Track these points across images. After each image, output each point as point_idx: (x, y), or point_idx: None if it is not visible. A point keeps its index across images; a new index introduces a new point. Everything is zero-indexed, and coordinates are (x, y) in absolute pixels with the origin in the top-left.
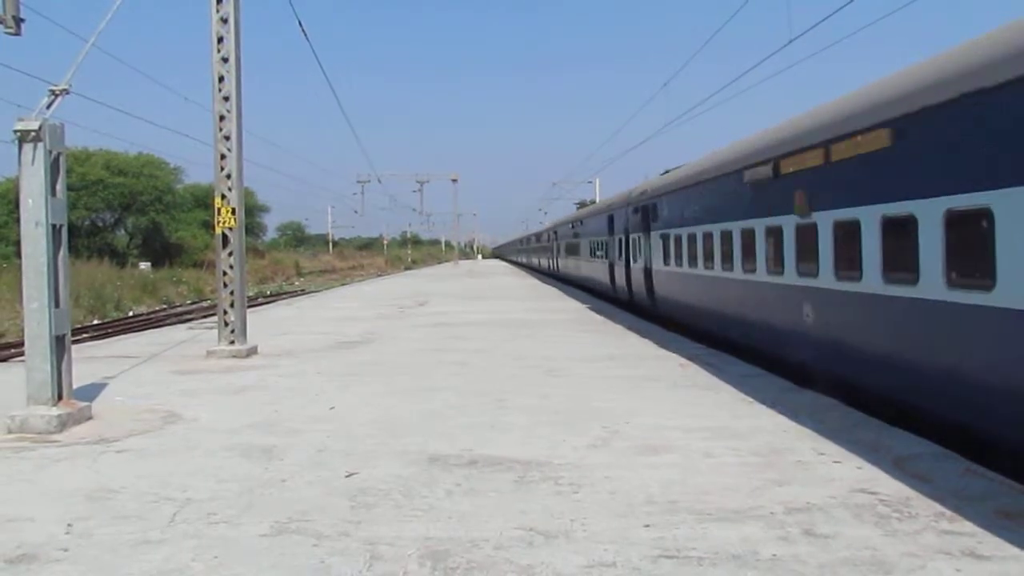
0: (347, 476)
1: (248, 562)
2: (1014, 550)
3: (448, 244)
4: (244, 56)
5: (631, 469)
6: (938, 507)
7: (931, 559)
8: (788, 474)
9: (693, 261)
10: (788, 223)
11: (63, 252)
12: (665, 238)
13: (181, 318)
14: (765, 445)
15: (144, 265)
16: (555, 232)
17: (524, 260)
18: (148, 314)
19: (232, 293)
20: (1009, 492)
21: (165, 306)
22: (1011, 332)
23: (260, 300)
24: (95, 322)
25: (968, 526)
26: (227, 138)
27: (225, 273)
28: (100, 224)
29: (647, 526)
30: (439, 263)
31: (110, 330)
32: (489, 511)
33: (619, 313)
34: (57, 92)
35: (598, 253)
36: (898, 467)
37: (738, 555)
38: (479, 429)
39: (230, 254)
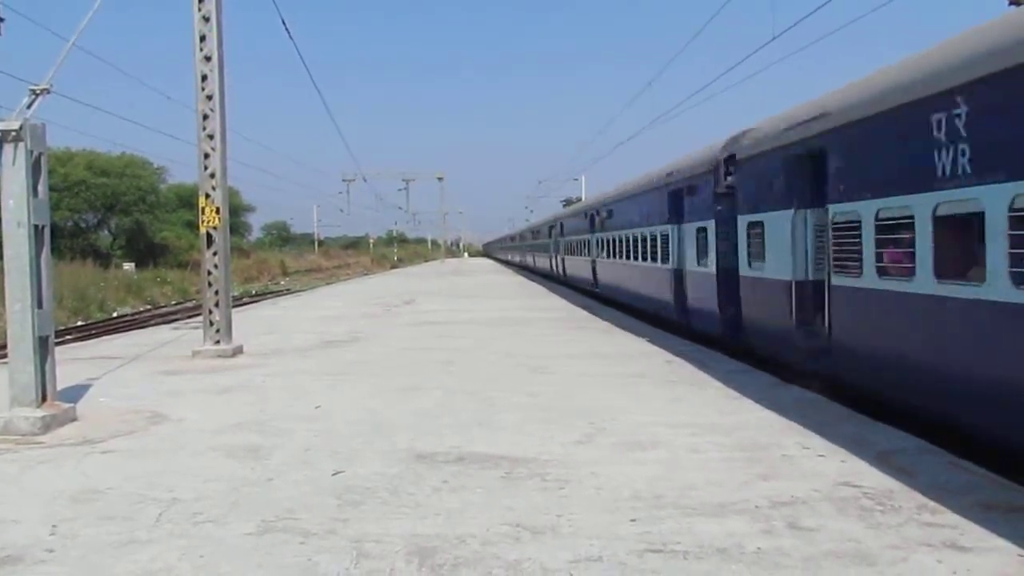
0: (334, 474)
1: (235, 561)
2: (995, 541)
3: (435, 243)
4: (227, 55)
5: (617, 465)
6: (921, 500)
7: (914, 551)
8: (773, 468)
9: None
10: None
11: (46, 253)
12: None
13: (166, 318)
14: (750, 440)
15: (128, 266)
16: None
17: (529, 261)
18: (133, 315)
19: (217, 293)
20: (991, 485)
21: (150, 307)
22: None
23: (246, 300)
24: (79, 323)
25: (950, 518)
26: (211, 137)
27: (210, 273)
28: (83, 225)
29: (633, 521)
30: (426, 262)
31: (94, 331)
32: (476, 508)
33: (606, 310)
34: (38, 92)
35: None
36: (882, 461)
37: (723, 549)
38: (466, 427)
39: (215, 254)
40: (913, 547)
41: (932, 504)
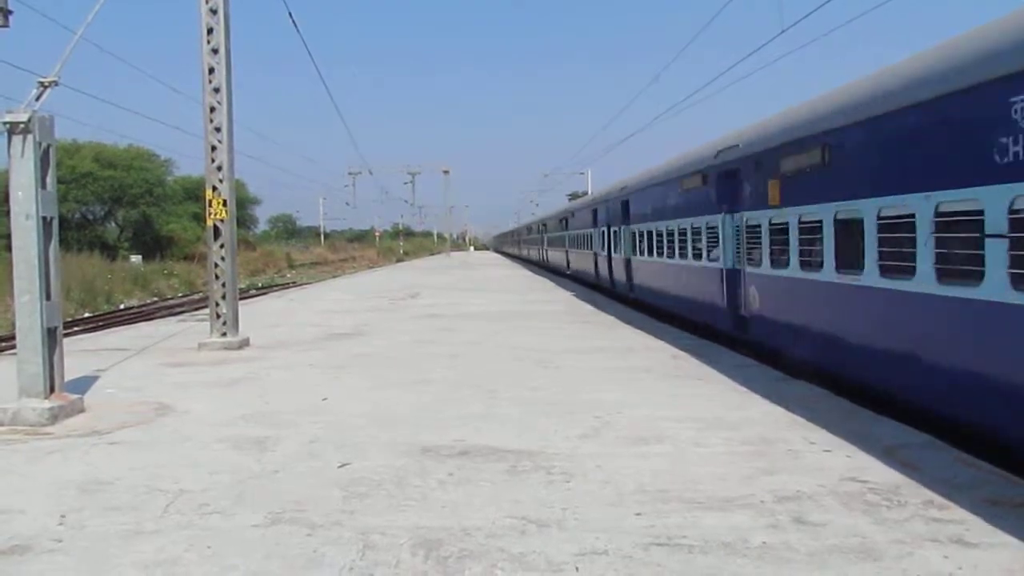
0: (340, 467)
1: (242, 552)
2: (1001, 537)
3: (440, 236)
4: (234, 48)
5: (623, 459)
6: (927, 495)
7: (919, 546)
8: (778, 463)
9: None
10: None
11: (54, 245)
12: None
13: (172, 311)
14: (756, 435)
15: (135, 258)
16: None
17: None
18: (139, 307)
19: (223, 285)
20: (997, 480)
21: (156, 299)
22: None
23: (252, 292)
24: (86, 315)
25: (956, 514)
26: (218, 130)
27: (216, 265)
28: (90, 217)
29: (638, 514)
30: (431, 255)
31: (101, 323)
32: (481, 500)
33: (611, 304)
34: (46, 84)
35: None
36: (888, 456)
37: (728, 543)
38: (471, 420)
39: (221, 246)
40: (919, 542)
41: (938, 499)
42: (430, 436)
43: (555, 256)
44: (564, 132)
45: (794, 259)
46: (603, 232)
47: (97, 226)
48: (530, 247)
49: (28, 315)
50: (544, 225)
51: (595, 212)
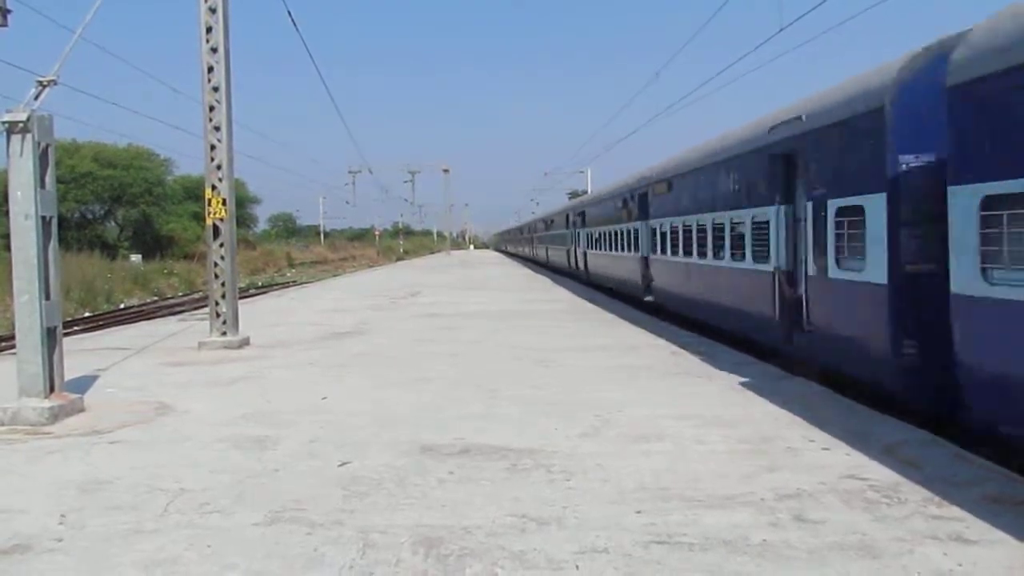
0: (340, 466)
1: (242, 552)
2: (1000, 534)
3: (440, 235)
4: (234, 48)
5: (623, 457)
6: (927, 493)
7: (919, 544)
8: (778, 461)
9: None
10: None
11: (53, 244)
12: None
13: (172, 310)
14: (755, 433)
15: (135, 257)
16: None
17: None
18: (139, 306)
19: (223, 284)
20: (997, 478)
21: (156, 298)
22: None
23: (252, 291)
24: (86, 315)
25: (956, 511)
26: (217, 128)
27: (216, 264)
28: (90, 217)
29: (639, 512)
30: (431, 253)
31: (101, 322)
32: (482, 499)
33: (610, 303)
34: (45, 83)
35: None
36: (887, 454)
37: (729, 541)
38: (471, 419)
39: (221, 245)
40: (919, 540)
41: (938, 497)
42: (430, 435)
43: (601, 264)
44: (564, 132)
45: None
46: (790, 212)
47: (97, 226)
48: (552, 247)
49: (28, 315)
50: (580, 215)
51: (737, 171)
